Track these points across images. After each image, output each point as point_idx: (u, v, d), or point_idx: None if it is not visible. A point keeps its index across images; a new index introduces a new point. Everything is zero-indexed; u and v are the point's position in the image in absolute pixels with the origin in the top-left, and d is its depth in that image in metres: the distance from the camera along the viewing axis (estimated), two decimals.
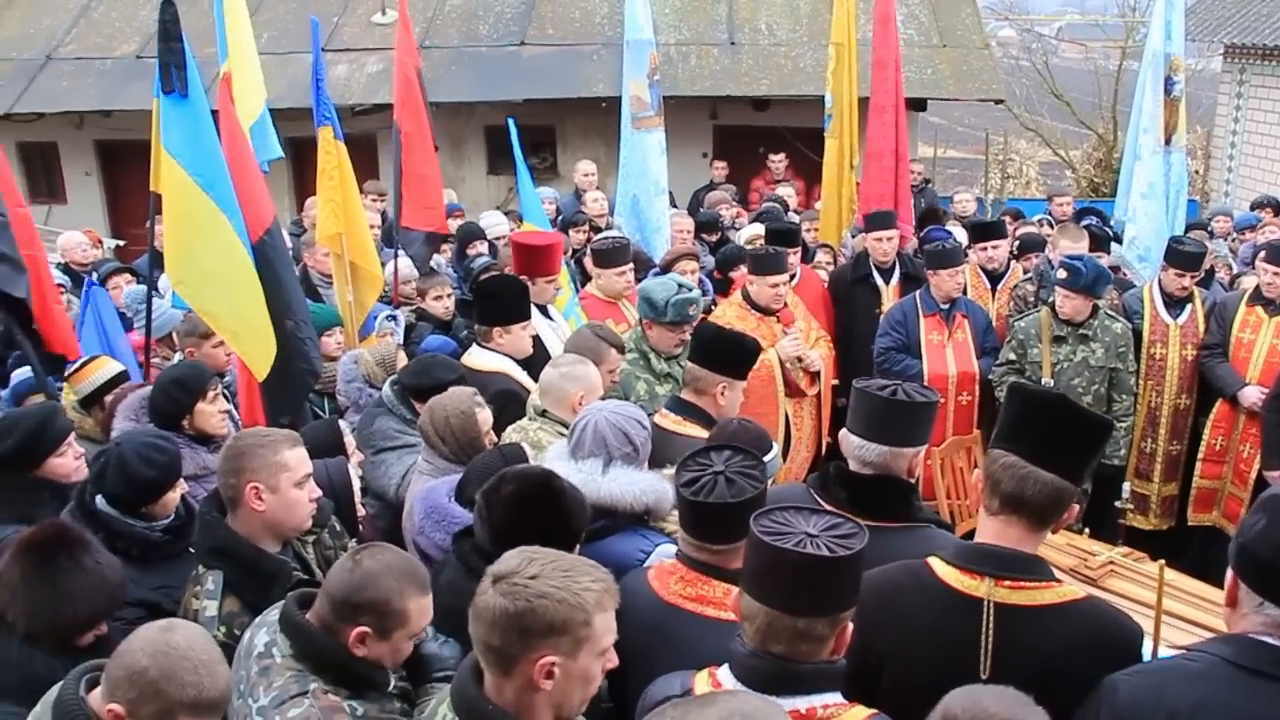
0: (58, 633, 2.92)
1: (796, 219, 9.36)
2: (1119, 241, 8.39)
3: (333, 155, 6.50)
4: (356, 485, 3.92)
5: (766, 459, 3.26)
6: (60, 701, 2.45)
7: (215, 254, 4.86)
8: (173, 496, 3.70)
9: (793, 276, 7.27)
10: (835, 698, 2.25)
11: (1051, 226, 9.20)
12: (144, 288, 6.06)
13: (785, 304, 6.44)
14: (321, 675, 2.65)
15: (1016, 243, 8.08)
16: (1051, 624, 2.50)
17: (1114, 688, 2.29)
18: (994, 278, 7.42)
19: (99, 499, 3.58)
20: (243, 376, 5.15)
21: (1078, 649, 2.47)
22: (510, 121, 7.76)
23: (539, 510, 2.91)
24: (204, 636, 2.48)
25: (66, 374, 5.31)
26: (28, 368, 5.49)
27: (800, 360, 6.32)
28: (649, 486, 3.42)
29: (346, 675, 2.68)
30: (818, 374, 6.53)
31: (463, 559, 3.08)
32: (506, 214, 9.82)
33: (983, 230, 7.63)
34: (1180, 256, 6.65)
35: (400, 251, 7.45)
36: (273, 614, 2.81)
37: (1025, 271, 7.50)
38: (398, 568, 2.71)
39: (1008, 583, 2.53)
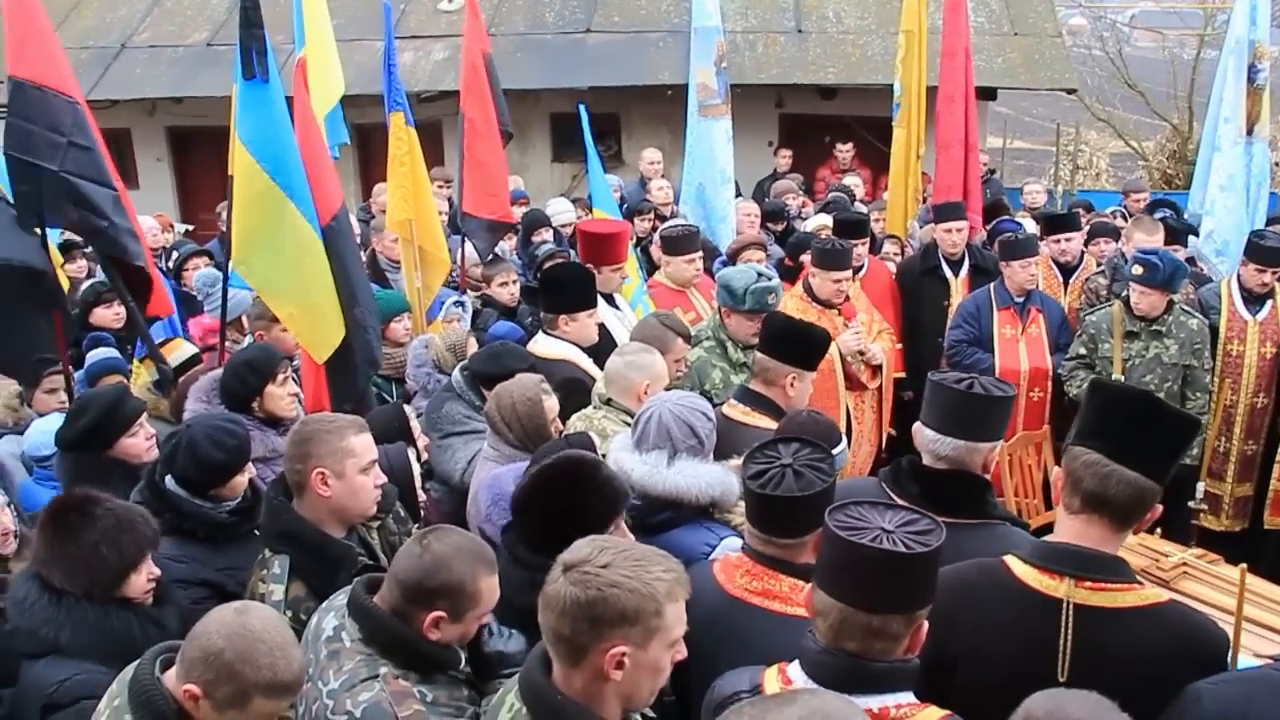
0: (99, 580, 2.97)
1: (863, 209, 9.25)
2: (1195, 234, 8.19)
3: (404, 141, 6.51)
4: (417, 470, 3.92)
5: (835, 452, 3.22)
6: (136, 680, 2.47)
7: (280, 239, 4.89)
8: (241, 480, 3.74)
9: (860, 268, 7.19)
10: (908, 697, 2.20)
11: (1126, 220, 9.01)
12: (215, 271, 6.13)
13: (847, 298, 6.38)
14: (391, 659, 2.65)
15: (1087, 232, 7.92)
16: (1133, 627, 2.44)
17: (1197, 696, 2.22)
18: (1066, 271, 7.28)
19: (168, 480, 3.63)
20: (308, 361, 5.19)
21: (1160, 654, 2.40)
22: (581, 108, 7.74)
23: (568, 499, 2.92)
24: (279, 620, 2.49)
25: (141, 356, 5.40)
26: (103, 349, 5.60)
27: (862, 354, 6.24)
28: (715, 479, 3.38)
29: (417, 659, 2.68)
30: (879, 367, 6.45)
31: (510, 549, 3.08)
32: (574, 202, 9.81)
33: (1056, 222, 7.49)
34: (1261, 251, 6.45)
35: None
36: (340, 598, 2.82)
37: (1098, 264, 7.35)
38: (468, 550, 2.71)
39: (1088, 584, 2.47)
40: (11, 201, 4.67)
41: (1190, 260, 7.58)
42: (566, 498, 2.91)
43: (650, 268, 7.60)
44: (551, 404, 4.10)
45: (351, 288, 5.09)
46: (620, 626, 2.12)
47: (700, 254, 6.68)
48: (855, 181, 11.03)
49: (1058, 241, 7.29)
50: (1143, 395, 2.61)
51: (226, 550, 3.64)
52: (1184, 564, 4.75)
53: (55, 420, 4.50)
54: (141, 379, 5.42)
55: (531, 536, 2.94)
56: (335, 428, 3.30)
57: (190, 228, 13.71)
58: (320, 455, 3.24)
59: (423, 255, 6.58)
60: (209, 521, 3.64)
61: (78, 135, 4.63)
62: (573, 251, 7.60)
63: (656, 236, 7.82)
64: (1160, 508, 2.56)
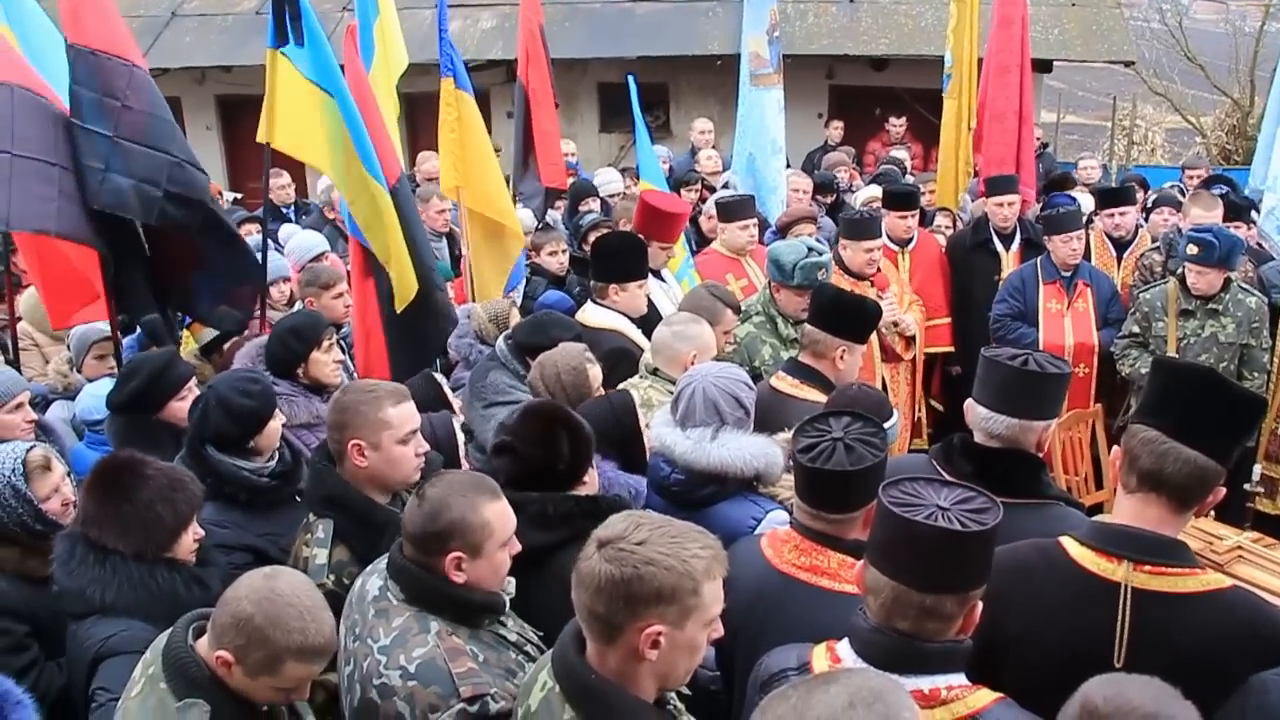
0: (153, 538, 2.99)
1: (912, 180, 9.12)
2: (1256, 210, 7.98)
3: (453, 107, 6.44)
4: (460, 438, 3.91)
5: (886, 426, 3.15)
6: (169, 648, 2.49)
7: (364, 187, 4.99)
8: (275, 426, 3.79)
9: (910, 241, 7.11)
10: (960, 679, 2.15)
11: (1182, 194, 8.81)
12: (261, 236, 6.16)
13: (879, 269, 6.31)
14: (439, 615, 2.64)
15: (1146, 207, 7.76)
16: (1194, 613, 2.36)
17: (1263, 687, 2.16)
18: (1120, 246, 7.14)
19: (208, 447, 3.64)
20: (359, 330, 5.19)
21: (1222, 641, 2.32)
22: (630, 79, 7.67)
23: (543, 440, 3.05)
24: (308, 584, 2.49)
25: (187, 324, 5.43)
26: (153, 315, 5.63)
27: (895, 325, 6.17)
28: (759, 450, 3.34)
29: (459, 608, 2.67)
30: (913, 339, 6.37)
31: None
32: (622, 172, 9.76)
33: (1110, 196, 7.35)
34: None
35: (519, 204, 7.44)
36: (383, 562, 2.81)
37: (1153, 239, 7.19)
38: (462, 484, 2.71)
39: (1148, 567, 2.40)
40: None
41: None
42: (540, 438, 3.04)
43: (700, 240, 7.54)
44: (595, 372, 4.07)
45: (419, 249, 5.10)
46: (656, 605, 2.07)
47: (754, 221, 6.64)
48: (904, 155, 10.85)
49: (1111, 215, 7.15)
50: (1205, 372, 2.53)
51: (268, 515, 3.67)
52: (1239, 547, 4.65)
53: (106, 385, 4.53)
54: (189, 346, 5.46)
55: (511, 479, 3.01)
56: (372, 399, 3.28)
57: (239, 195, 13.81)
58: (356, 426, 3.25)
59: (490, 224, 6.53)
60: (250, 486, 3.67)
61: (132, 99, 4.60)
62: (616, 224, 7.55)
63: (706, 207, 7.76)
64: (1224, 490, 2.48)
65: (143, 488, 3.00)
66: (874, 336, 5.91)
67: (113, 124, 4.50)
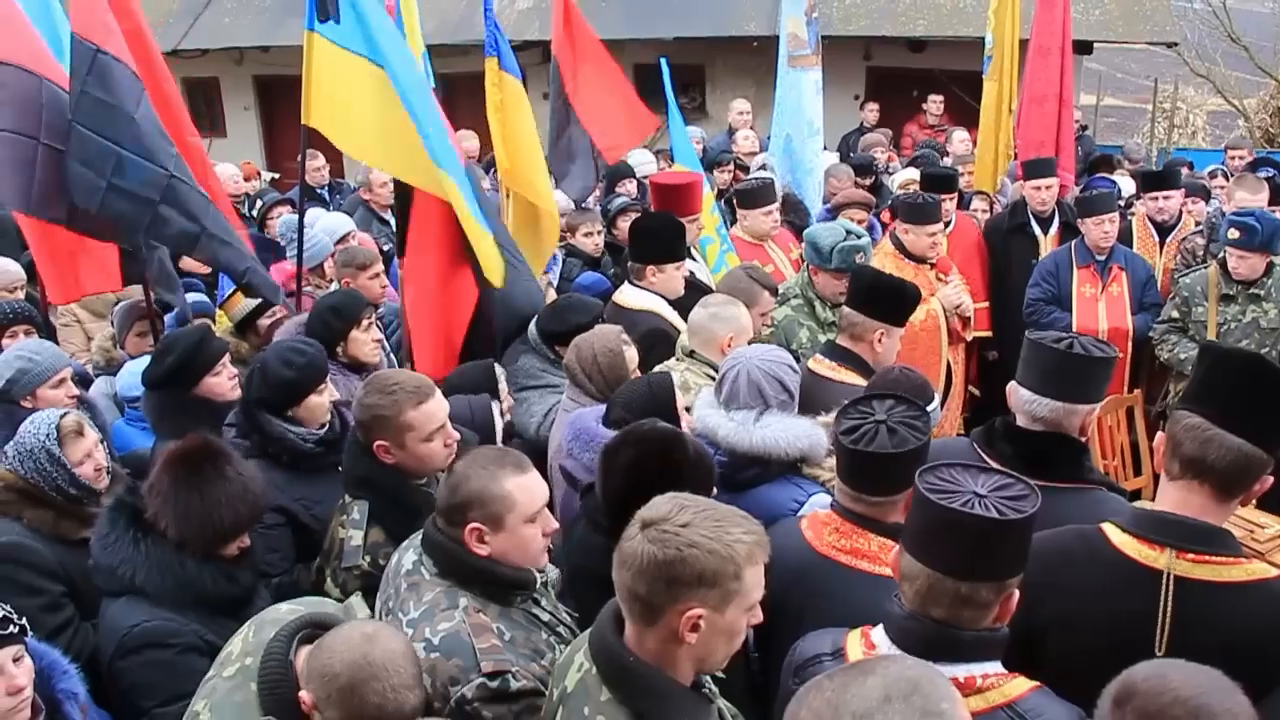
0: (206, 539, 3.00)
1: (948, 163, 9.02)
2: None
3: (496, 88, 6.29)
4: (500, 423, 3.90)
5: (929, 409, 3.13)
6: (269, 655, 2.44)
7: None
8: (318, 401, 3.82)
9: (948, 223, 7.05)
10: (995, 667, 2.13)
11: (1227, 179, 8.67)
12: (295, 217, 6.18)
13: (943, 252, 6.25)
14: (469, 589, 2.66)
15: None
16: (1238, 602, 2.34)
17: None
18: (1163, 230, 7.04)
19: (260, 408, 3.72)
20: (418, 317, 5.12)
21: (1265, 630, 2.30)
22: (662, 61, 7.62)
23: (657, 481, 2.75)
24: (405, 655, 2.33)
25: (220, 302, 5.46)
26: (192, 294, 5.68)
27: (959, 307, 6.13)
28: (803, 432, 3.32)
29: (486, 582, 2.67)
30: (968, 320, 6.34)
31: (589, 514, 3.05)
32: (656, 154, 9.71)
33: (1154, 179, 7.23)
34: None
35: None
36: (419, 536, 2.82)
37: (1196, 223, 7.09)
38: (484, 455, 2.72)
39: (1191, 556, 2.38)
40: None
41: None
42: (657, 476, 2.72)
43: (734, 220, 7.50)
44: (632, 354, 4.07)
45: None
46: (698, 588, 2.06)
47: (777, 206, 6.59)
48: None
49: (1155, 199, 7.05)
50: (1251, 357, 2.50)
51: (308, 481, 3.72)
52: None
53: (146, 362, 4.58)
54: (223, 324, 5.50)
55: (613, 504, 2.85)
56: (392, 403, 3.25)
57: (276, 176, 13.90)
58: (379, 429, 3.26)
59: (530, 207, 6.47)
60: (294, 449, 3.73)
61: (96, 88, 4.47)
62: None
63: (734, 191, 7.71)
64: (1271, 479, 2.45)
65: (216, 486, 3.00)
66: (943, 320, 5.89)
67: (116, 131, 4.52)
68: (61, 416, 3.48)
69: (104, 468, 3.51)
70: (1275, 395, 2.41)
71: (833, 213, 7.08)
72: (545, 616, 2.79)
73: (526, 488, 2.70)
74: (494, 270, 4.90)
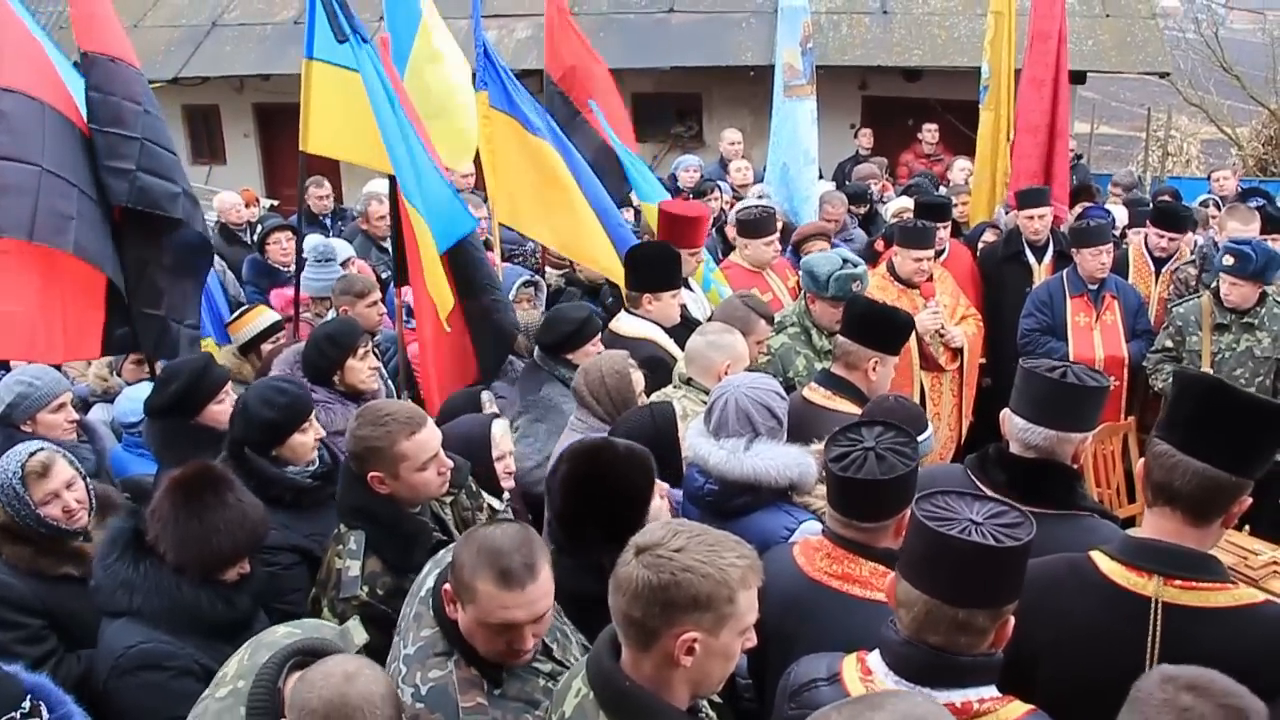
0: (203, 564, 3.01)
1: (944, 192, 9.08)
2: None
3: (487, 121, 6.17)
4: (500, 447, 3.89)
5: (921, 438, 3.16)
6: (260, 681, 2.45)
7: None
8: (302, 440, 3.75)
9: (941, 251, 7.09)
10: (990, 691, 2.16)
11: (1218, 208, 8.72)
12: (323, 238, 6.21)
13: (931, 277, 6.30)
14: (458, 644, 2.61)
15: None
16: (1226, 628, 2.36)
17: None
18: (1159, 261, 7.06)
19: (248, 450, 3.68)
20: (432, 345, 5.19)
21: (1254, 656, 2.30)
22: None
23: (593, 486, 2.92)
24: (384, 697, 2.29)
25: (227, 322, 5.49)
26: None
27: (940, 334, 6.15)
28: (793, 460, 3.34)
29: (471, 655, 2.60)
30: (959, 351, 6.36)
31: (551, 537, 3.07)
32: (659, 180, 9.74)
33: (1169, 220, 7.10)
34: None
35: None
36: (448, 556, 2.72)
37: (1190, 252, 7.12)
38: (473, 540, 2.57)
39: (1178, 582, 2.40)
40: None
41: None
42: (591, 481, 2.93)
43: (725, 248, 7.53)
44: (639, 377, 4.11)
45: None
46: (692, 612, 2.08)
47: (777, 235, 6.62)
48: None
49: (1162, 237, 7.04)
50: (1212, 383, 2.50)
51: (314, 516, 3.69)
52: (1274, 562, 4.63)
53: (144, 389, 4.60)
54: (217, 350, 5.51)
55: (562, 520, 2.96)
56: (385, 435, 3.23)
57: (275, 203, 13.95)
58: (373, 461, 3.25)
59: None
60: (293, 486, 3.69)
61: (148, 103, 4.68)
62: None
63: (730, 215, 7.74)
64: (1249, 500, 2.47)
65: (216, 513, 3.01)
66: (914, 343, 5.93)
67: (138, 126, 4.57)
68: (31, 454, 3.39)
69: (76, 509, 3.43)
70: (1233, 419, 2.42)
71: (794, 250, 7.08)
72: (546, 667, 2.74)
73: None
74: (443, 303, 4.97)
